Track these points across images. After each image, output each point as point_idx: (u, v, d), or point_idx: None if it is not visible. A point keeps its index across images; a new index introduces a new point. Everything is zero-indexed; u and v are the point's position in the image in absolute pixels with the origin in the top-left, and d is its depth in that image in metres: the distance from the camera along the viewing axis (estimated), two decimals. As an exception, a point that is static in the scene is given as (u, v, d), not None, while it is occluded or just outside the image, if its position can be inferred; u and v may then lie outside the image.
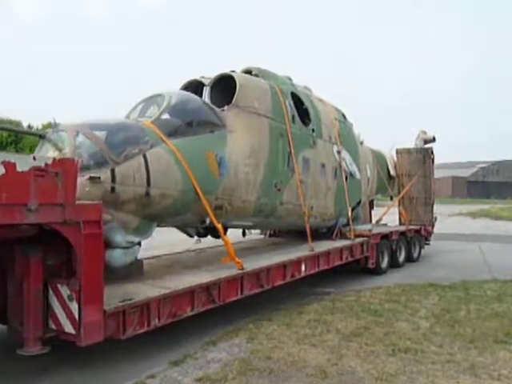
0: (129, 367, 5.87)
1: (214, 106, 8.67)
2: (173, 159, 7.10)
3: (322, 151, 11.07)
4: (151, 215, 6.95)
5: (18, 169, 4.43)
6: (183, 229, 8.58)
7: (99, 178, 6.11)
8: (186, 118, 7.85)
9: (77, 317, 5.02)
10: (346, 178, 12.08)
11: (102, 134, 6.52)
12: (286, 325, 7.51)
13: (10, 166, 4.35)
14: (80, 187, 5.88)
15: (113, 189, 6.29)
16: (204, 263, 8.36)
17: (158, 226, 7.54)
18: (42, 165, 4.64)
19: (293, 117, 10.10)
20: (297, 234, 11.51)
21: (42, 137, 6.50)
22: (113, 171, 6.30)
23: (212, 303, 6.89)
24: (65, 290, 5.13)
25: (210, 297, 6.85)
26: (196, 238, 9.66)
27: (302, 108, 10.88)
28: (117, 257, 6.54)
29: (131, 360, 6.08)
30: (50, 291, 5.25)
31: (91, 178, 6.05)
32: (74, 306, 5.05)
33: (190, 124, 7.83)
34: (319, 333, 7.13)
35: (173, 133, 7.43)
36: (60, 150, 6.25)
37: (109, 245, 6.51)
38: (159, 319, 5.98)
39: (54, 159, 4.77)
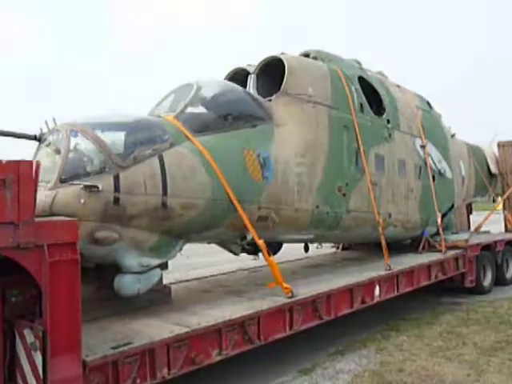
0: (258, 376, 5.98)
1: (257, 96, 7.18)
2: (198, 160, 5.69)
3: (400, 145, 9.14)
4: (172, 231, 5.58)
5: None
6: (224, 246, 7.11)
7: (97, 187, 4.83)
8: (218, 110, 6.41)
9: (40, 372, 3.72)
10: (434, 177, 9.98)
11: (104, 133, 5.26)
12: (417, 336, 7.27)
13: None
14: (74, 199, 4.74)
15: (116, 200, 4.99)
16: (251, 287, 6.86)
17: (188, 242, 6.17)
18: (-20, 170, 3.41)
19: (361, 105, 8.32)
20: (376, 247, 9.63)
21: (38, 139, 5.39)
22: (116, 178, 5.01)
23: (249, 343, 5.35)
24: (29, 336, 3.86)
25: (246, 335, 5.31)
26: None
27: (374, 96, 9.06)
28: (127, 284, 5.22)
29: (261, 367, 6.18)
30: (17, 337, 4.01)
31: (87, 188, 4.78)
32: (38, 358, 3.75)
33: (224, 117, 6.38)
34: (454, 346, 6.78)
35: (201, 129, 6.04)
36: (59, 154, 5.10)
37: (119, 269, 5.27)
38: (170, 369, 4.54)
39: (-1, 162, 3.52)
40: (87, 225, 4.83)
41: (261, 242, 5.96)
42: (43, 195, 4.76)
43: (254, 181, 6.25)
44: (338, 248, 11.06)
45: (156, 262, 5.49)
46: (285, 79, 7.18)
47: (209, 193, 5.71)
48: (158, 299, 5.95)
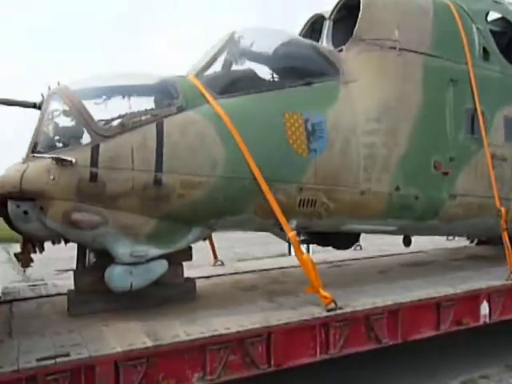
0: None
1: (321, 46, 5.57)
2: (213, 128, 4.46)
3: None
4: (176, 215, 4.45)
5: None
6: (279, 236, 5.72)
7: (70, 160, 3.98)
8: (256, 64, 5.07)
9: None
10: None
11: (90, 97, 4.39)
12: None
13: None
14: (43, 175, 4.01)
15: (94, 175, 4.07)
16: (302, 288, 5.38)
17: (213, 230, 5.01)
18: None
19: (484, 51, 6.00)
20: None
21: (38, 107, 4.76)
22: (95, 149, 4.10)
23: (252, 368, 3.98)
24: None
25: (247, 357, 3.96)
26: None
27: None
28: (116, 276, 4.31)
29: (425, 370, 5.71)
30: None
31: (58, 161, 3.97)
32: None
33: (263, 74, 5.01)
34: None
35: (229, 89, 4.78)
36: None
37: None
38: (117, 393, 3.48)
39: None
40: (61, 204, 4.07)
41: (292, 235, 4.50)
42: (14, 169, 4.11)
43: (295, 154, 4.76)
44: (472, 242, 8.62)
45: (156, 252, 4.44)
46: (358, 20, 5.40)
47: (222, 168, 4.44)
48: (178, 295, 4.92)
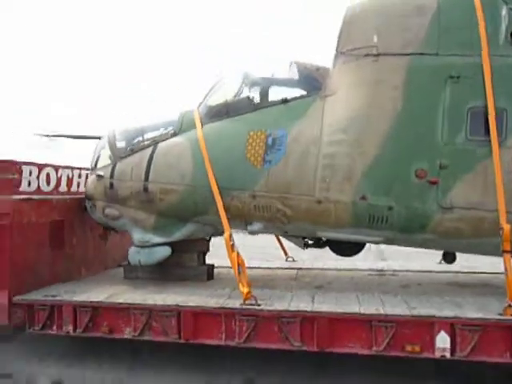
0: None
1: (310, 66, 5.37)
2: (189, 148, 5.38)
3: None
4: (165, 213, 5.50)
5: None
6: (291, 240, 5.77)
7: (101, 175, 5.73)
8: (240, 93, 5.44)
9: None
10: None
11: (119, 132, 5.95)
12: None
13: None
14: (91, 184, 6.00)
15: (111, 184, 5.61)
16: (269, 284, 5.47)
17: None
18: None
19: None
20: None
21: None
22: (114, 167, 5.68)
23: (166, 335, 4.62)
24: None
25: (163, 326, 4.61)
26: None
27: None
28: (130, 254, 5.87)
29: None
30: None
31: (97, 176, 5.79)
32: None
33: (250, 98, 5.36)
34: None
35: (218, 115, 5.47)
36: None
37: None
38: (75, 328, 4.83)
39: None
40: (100, 203, 5.82)
41: (226, 235, 4.79)
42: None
43: (250, 166, 5.05)
44: None
45: (158, 239, 5.63)
46: (338, 35, 5.00)
47: (188, 179, 5.27)
48: (192, 276, 5.84)
